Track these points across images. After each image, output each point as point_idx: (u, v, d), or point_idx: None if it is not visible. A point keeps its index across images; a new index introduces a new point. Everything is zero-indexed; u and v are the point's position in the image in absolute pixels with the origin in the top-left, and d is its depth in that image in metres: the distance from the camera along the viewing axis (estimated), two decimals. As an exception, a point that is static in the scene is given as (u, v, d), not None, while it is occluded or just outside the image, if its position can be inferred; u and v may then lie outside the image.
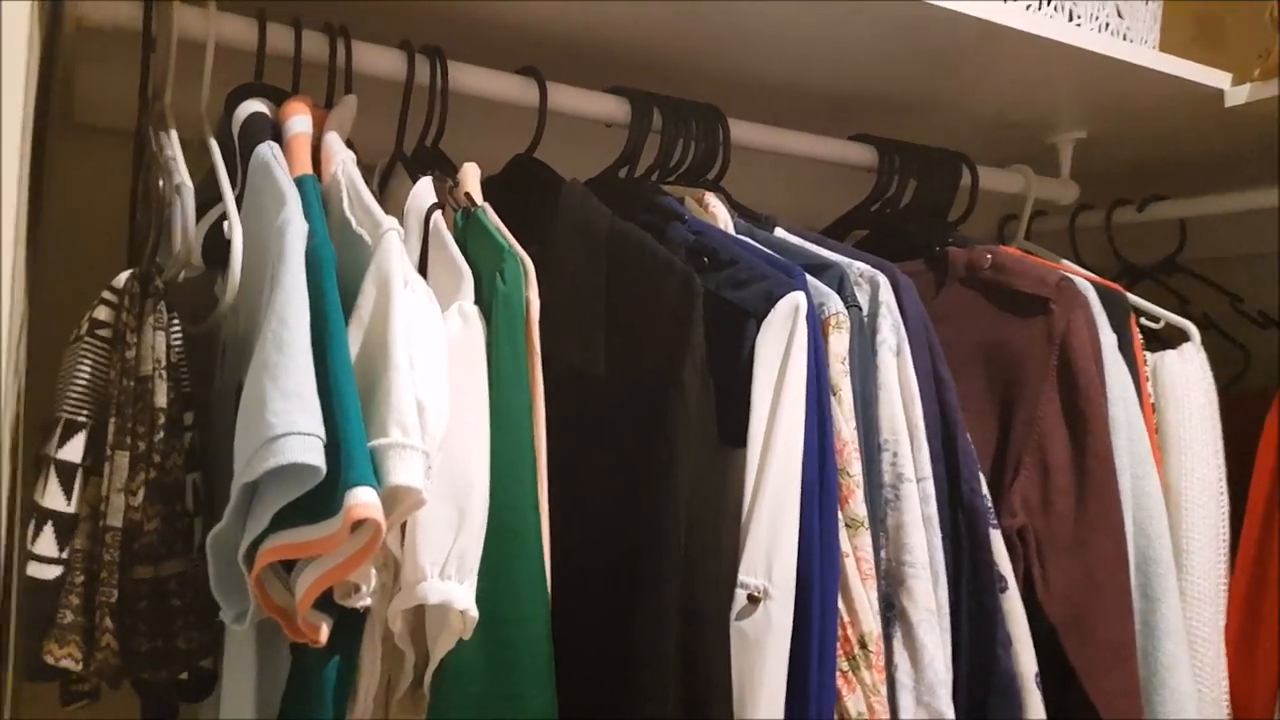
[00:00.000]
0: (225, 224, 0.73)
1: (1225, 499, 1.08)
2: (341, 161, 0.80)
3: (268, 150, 0.76)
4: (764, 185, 1.17)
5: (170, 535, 0.69)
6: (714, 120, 1.04)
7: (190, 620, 0.70)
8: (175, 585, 0.69)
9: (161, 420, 0.69)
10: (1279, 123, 1.16)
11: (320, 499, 0.61)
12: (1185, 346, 1.12)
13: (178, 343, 0.71)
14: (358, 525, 0.60)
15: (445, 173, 0.90)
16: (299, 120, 0.81)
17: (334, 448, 0.61)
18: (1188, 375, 1.10)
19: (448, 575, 0.67)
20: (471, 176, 0.86)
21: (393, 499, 0.62)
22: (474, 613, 0.67)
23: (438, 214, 0.82)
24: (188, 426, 0.72)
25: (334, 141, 0.83)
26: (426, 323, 0.69)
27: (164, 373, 0.69)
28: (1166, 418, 1.09)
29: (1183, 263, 1.36)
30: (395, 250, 0.69)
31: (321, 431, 0.61)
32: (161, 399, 0.69)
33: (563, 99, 0.98)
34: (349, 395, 0.63)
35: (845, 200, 1.20)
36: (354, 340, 0.67)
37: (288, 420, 0.60)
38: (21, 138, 0.54)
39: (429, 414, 0.65)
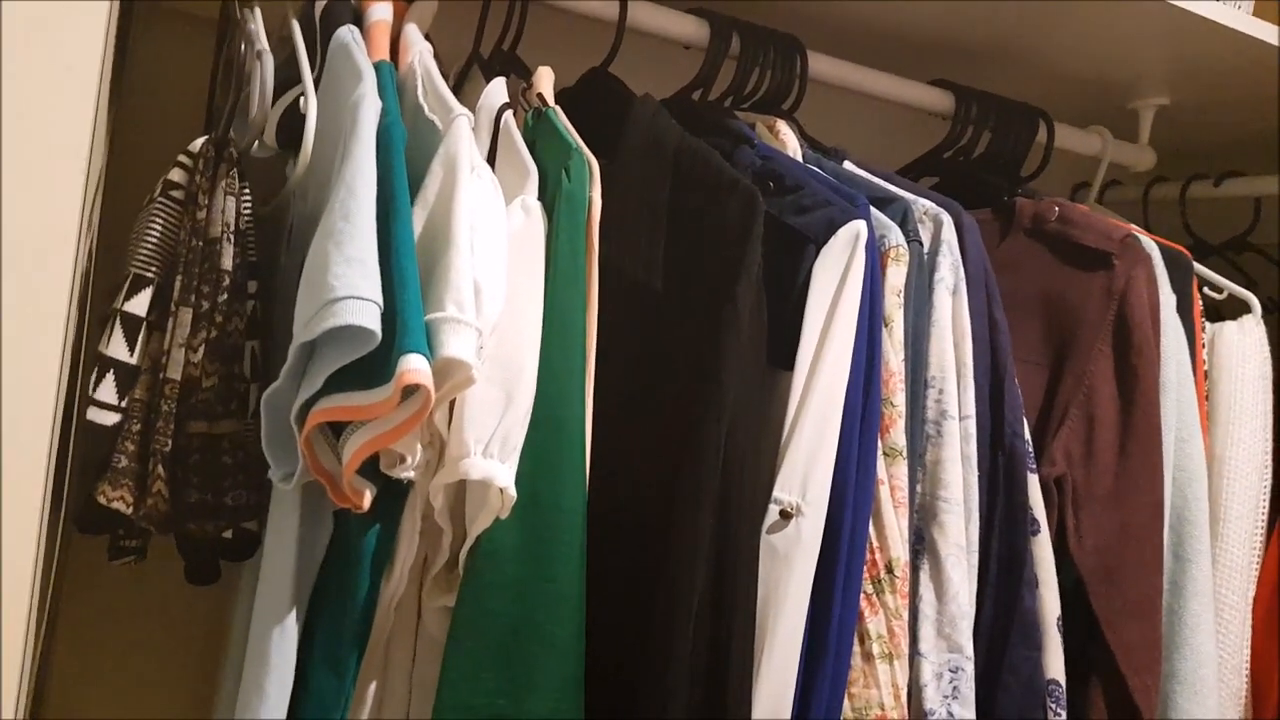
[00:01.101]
0: (301, 100, 0.73)
1: (1269, 474, 1.04)
2: (419, 52, 0.79)
3: (347, 33, 0.76)
4: (834, 122, 1.13)
5: (226, 394, 0.69)
6: (793, 51, 1.01)
7: (239, 479, 0.70)
8: (228, 444, 0.70)
9: (226, 282, 0.69)
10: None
11: (374, 365, 0.61)
12: (1245, 319, 1.08)
13: (247, 211, 0.71)
14: (409, 392, 0.60)
15: (520, 76, 0.88)
16: (380, 8, 0.80)
17: (390, 317, 0.61)
18: (1245, 347, 1.06)
19: (490, 453, 0.66)
20: (545, 79, 0.85)
21: (444, 371, 0.62)
22: (513, 492, 0.67)
23: (508, 113, 0.80)
24: (251, 294, 0.72)
25: (413, 32, 0.82)
26: (490, 209, 0.68)
27: (232, 237, 0.69)
28: (1219, 387, 1.05)
29: (1254, 243, 1.31)
30: (465, 135, 0.68)
31: (380, 298, 0.60)
32: (227, 261, 0.69)
33: (642, 15, 0.96)
34: (409, 268, 0.62)
35: (914, 146, 1.16)
36: (418, 220, 0.67)
37: (349, 284, 0.60)
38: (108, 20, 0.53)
39: (485, 296, 0.65)
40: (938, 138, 1.14)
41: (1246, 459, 1.02)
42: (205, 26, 0.95)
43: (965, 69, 1.21)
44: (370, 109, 0.66)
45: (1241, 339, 1.06)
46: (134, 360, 0.68)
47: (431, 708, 0.75)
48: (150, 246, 0.69)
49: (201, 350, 0.67)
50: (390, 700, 0.76)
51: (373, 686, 0.75)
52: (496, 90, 0.82)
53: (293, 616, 0.70)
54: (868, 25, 1.14)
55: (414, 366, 0.59)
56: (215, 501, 0.69)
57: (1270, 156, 1.30)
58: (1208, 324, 1.07)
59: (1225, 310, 1.13)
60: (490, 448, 0.67)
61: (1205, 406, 1.03)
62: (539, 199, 0.74)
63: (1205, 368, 1.05)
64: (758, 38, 0.99)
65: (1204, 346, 1.04)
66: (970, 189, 1.09)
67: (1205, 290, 1.10)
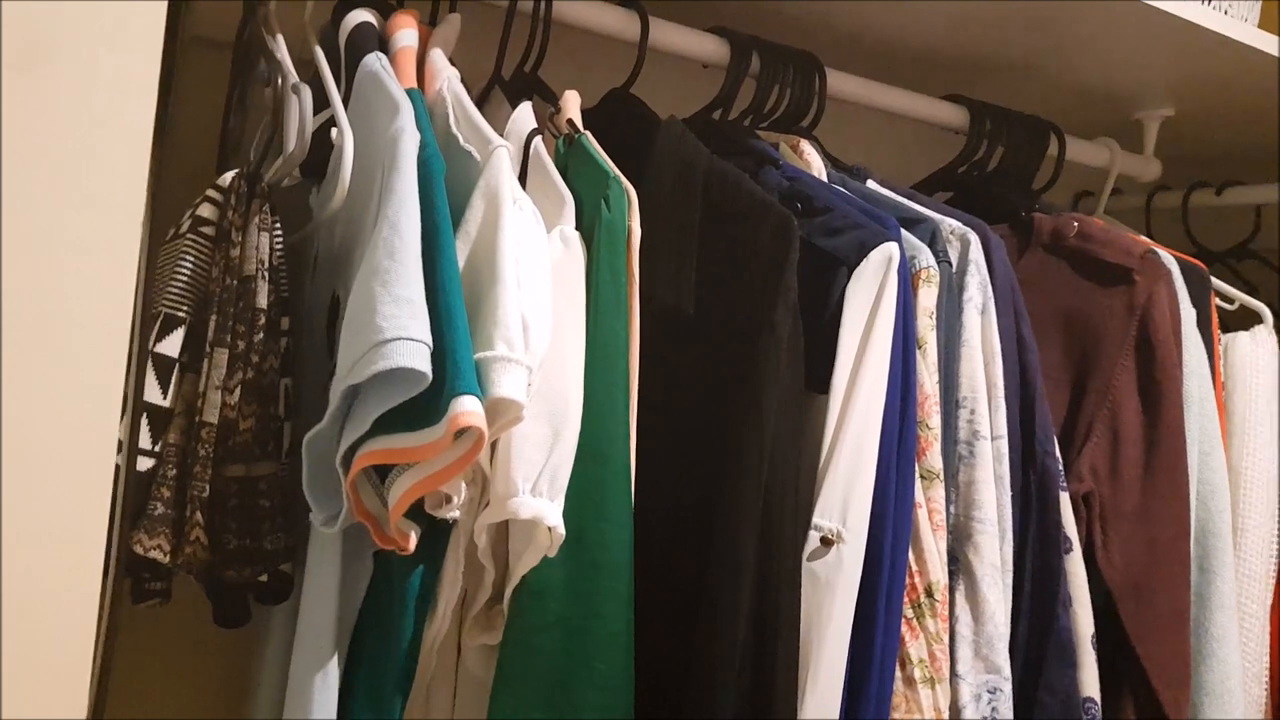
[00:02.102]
0: (333, 131, 0.70)
1: (1282, 484, 1.04)
2: (447, 79, 0.76)
3: (376, 61, 0.73)
4: (848, 138, 1.12)
5: (263, 436, 0.66)
6: (811, 68, 0.98)
7: (277, 522, 0.67)
8: (265, 486, 0.67)
9: (262, 321, 0.66)
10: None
11: (422, 406, 0.59)
12: (1258, 329, 1.07)
13: (279, 246, 0.68)
14: (460, 434, 0.58)
15: (545, 99, 0.86)
16: (406, 34, 0.77)
17: (439, 356, 0.58)
18: (1258, 358, 1.05)
19: (539, 492, 0.64)
20: (573, 104, 0.82)
21: (495, 411, 0.59)
22: (562, 530, 0.64)
23: (538, 139, 0.78)
24: (284, 331, 0.69)
25: (439, 58, 0.79)
26: (533, 243, 0.65)
27: (266, 274, 0.66)
28: (1234, 399, 1.04)
29: (1256, 249, 1.30)
30: (506, 168, 0.65)
31: (429, 339, 0.58)
32: (263, 300, 0.66)
33: (663, 35, 0.93)
34: (457, 306, 0.60)
35: (925, 161, 1.15)
36: (460, 253, 0.64)
37: (398, 325, 0.57)
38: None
39: (533, 332, 0.62)
40: (949, 152, 1.13)
41: (1262, 470, 1.01)
42: (217, 51, 0.92)
43: (973, 83, 1.20)
44: (410, 142, 0.63)
45: (1255, 350, 1.05)
46: (167, 403, 0.64)
47: (473, 746, 0.73)
48: (181, 285, 0.66)
49: (238, 392, 0.64)
50: (432, 740, 0.74)
51: (415, 727, 0.72)
52: (524, 115, 0.80)
53: (334, 661, 0.67)
54: (876, 40, 1.13)
55: (468, 408, 0.56)
56: (254, 546, 0.66)
57: (1271, 165, 1.29)
58: (1221, 335, 1.07)
59: (1233, 320, 1.12)
60: (539, 486, 0.64)
61: (1222, 417, 1.02)
62: (575, 227, 0.72)
63: (1220, 378, 1.04)
64: (777, 56, 0.97)
65: (1220, 358, 1.04)
66: (984, 204, 1.08)
67: (1217, 301, 1.09)
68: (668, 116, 0.88)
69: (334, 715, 0.67)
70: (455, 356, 0.58)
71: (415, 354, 0.57)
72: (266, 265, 0.66)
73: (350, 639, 0.69)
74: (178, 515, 0.63)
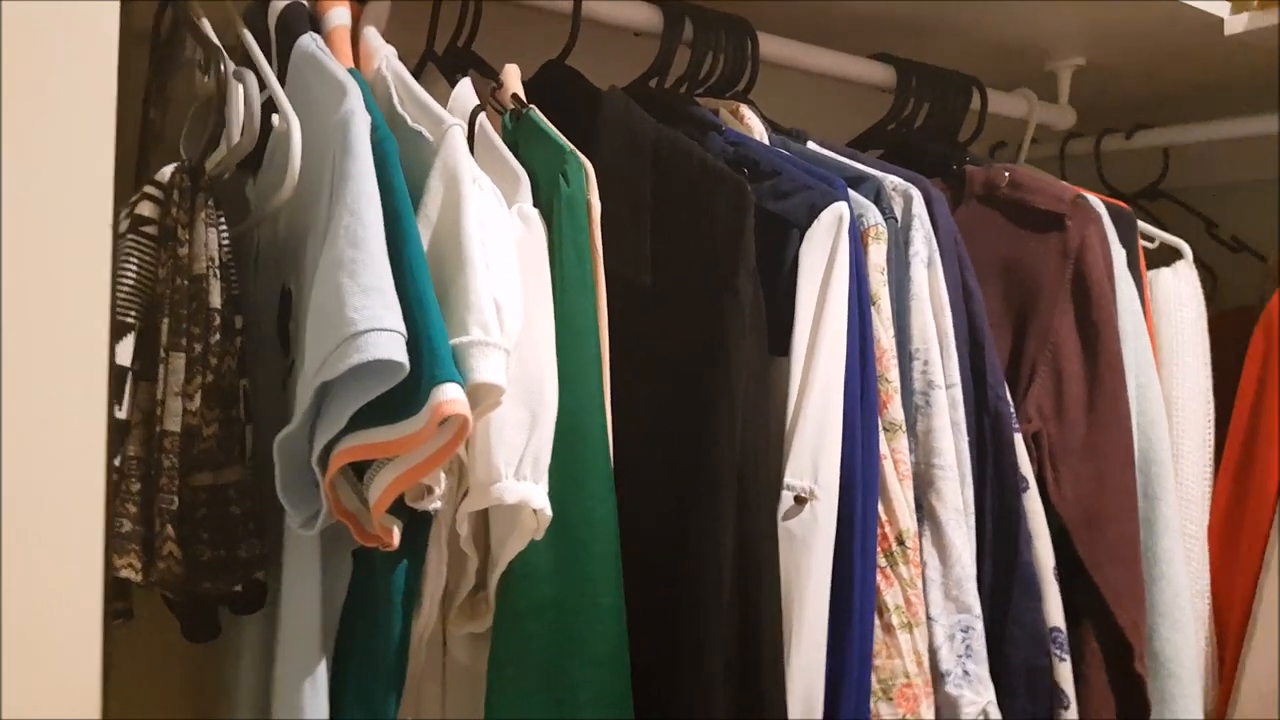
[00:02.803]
0: (273, 117, 0.66)
1: (1211, 408, 1.08)
2: (385, 57, 0.73)
3: (311, 41, 0.69)
4: (777, 103, 1.11)
5: (228, 441, 0.63)
6: (743, 33, 0.97)
7: (249, 528, 0.64)
8: (234, 492, 0.63)
9: (217, 321, 0.62)
10: (1278, 52, 1.14)
11: (399, 398, 0.56)
12: (1179, 264, 1.11)
13: (226, 242, 0.64)
14: (443, 423, 0.56)
15: (483, 74, 0.83)
16: (339, 12, 0.74)
17: (414, 345, 0.56)
18: (1180, 291, 1.09)
19: (523, 475, 0.62)
20: (514, 78, 0.80)
21: (475, 397, 0.57)
22: (549, 512, 0.63)
23: (482, 115, 0.75)
24: (238, 330, 0.65)
25: (373, 36, 0.76)
26: (496, 223, 0.63)
27: (217, 272, 0.62)
28: (1161, 332, 1.07)
29: (1166, 189, 1.34)
30: (462, 146, 0.63)
31: (403, 328, 0.55)
32: (216, 299, 0.62)
33: (595, 5, 0.91)
34: (428, 292, 0.57)
35: (852, 121, 1.15)
36: (422, 238, 0.62)
37: (370, 316, 0.54)
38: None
39: (505, 314, 0.60)
40: (874, 111, 1.13)
41: (1191, 396, 1.05)
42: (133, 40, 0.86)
43: (890, 42, 1.20)
44: (362, 124, 0.60)
45: (1177, 284, 1.09)
46: (123, 415, 0.60)
47: (466, 735, 0.71)
48: (127, 289, 0.61)
49: (198, 397, 0.61)
50: (423, 732, 0.72)
51: (406, 723, 0.70)
52: (465, 92, 0.77)
53: (323, 666, 0.65)
54: (797, 3, 1.12)
55: (451, 396, 0.54)
56: (229, 555, 0.63)
57: (1177, 108, 1.33)
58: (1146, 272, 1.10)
59: (1155, 258, 1.16)
60: (522, 469, 0.62)
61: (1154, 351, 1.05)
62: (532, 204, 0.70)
63: (1148, 314, 1.08)
64: (709, 22, 0.96)
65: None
66: (914, 159, 1.08)
67: (1139, 241, 1.12)
68: (609, 87, 0.86)
69: (323, 715, 0.64)
70: (432, 344, 0.56)
71: (391, 345, 0.54)
72: (217, 263, 0.62)
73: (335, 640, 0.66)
74: (146, 531, 0.60)
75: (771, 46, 1.01)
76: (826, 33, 1.17)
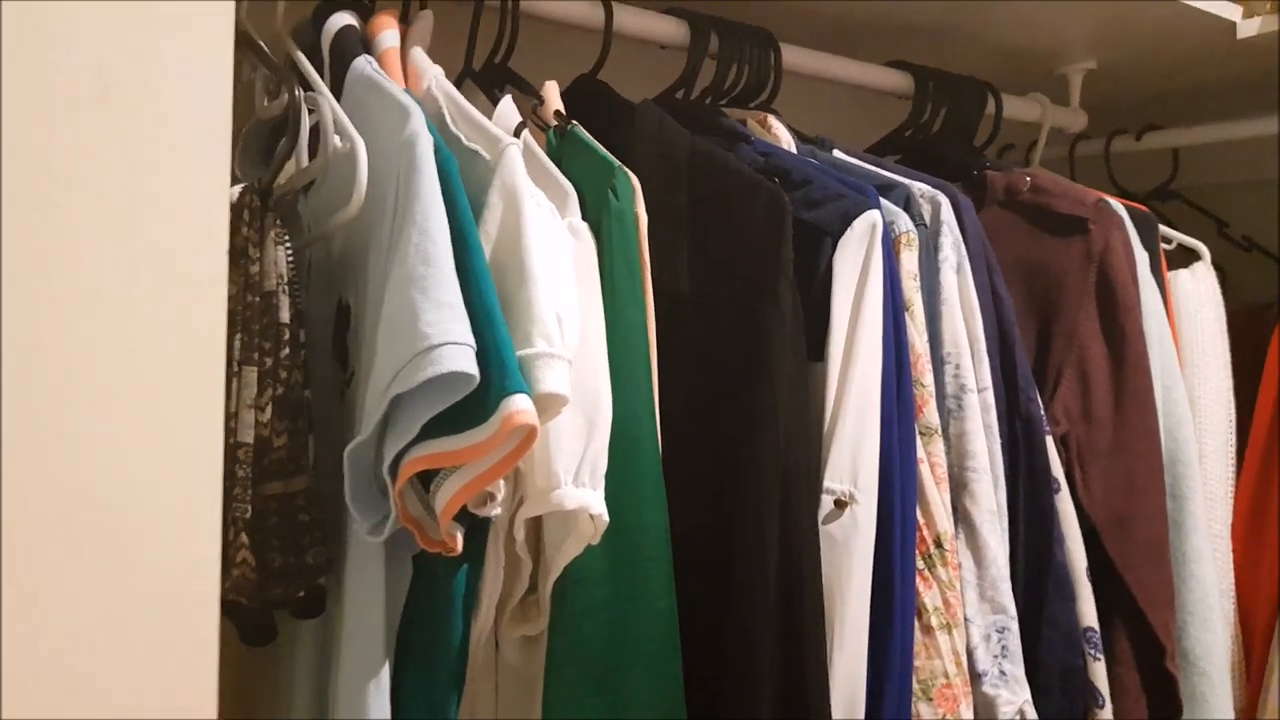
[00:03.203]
0: (335, 138, 0.70)
1: (1233, 408, 1.13)
2: (434, 77, 0.77)
3: (367, 64, 0.73)
4: (792, 110, 1.15)
5: (296, 451, 0.67)
6: (766, 44, 1.02)
7: (316, 535, 0.68)
8: (302, 500, 0.67)
9: (286, 336, 0.66)
10: (1287, 54, 1.19)
11: (467, 408, 0.60)
12: (1197, 265, 1.16)
13: (291, 259, 0.68)
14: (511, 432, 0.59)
15: (523, 91, 0.87)
16: (389, 35, 0.78)
17: (483, 356, 0.60)
18: (1200, 293, 1.14)
19: (581, 482, 0.66)
20: (554, 95, 0.84)
21: (540, 406, 0.61)
22: (606, 517, 0.67)
23: (525, 132, 0.79)
24: (302, 344, 0.69)
25: (421, 57, 0.79)
26: (553, 238, 0.67)
27: (285, 288, 0.66)
28: (1181, 332, 1.12)
29: (1176, 190, 1.39)
30: (520, 166, 0.67)
31: (473, 341, 0.59)
32: (285, 314, 0.66)
33: (623, 19, 0.95)
34: (494, 306, 0.61)
35: (867, 127, 1.20)
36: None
37: (443, 330, 0.58)
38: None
39: (566, 325, 0.64)
40: (892, 117, 1.17)
41: (1214, 397, 1.10)
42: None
43: (903, 48, 1.25)
44: (427, 145, 0.64)
45: (1195, 285, 1.14)
46: (197, 427, 0.64)
47: (519, 738, 0.75)
48: (196, 306, 0.65)
49: (270, 409, 0.65)
50: (478, 734, 0.75)
51: (462, 726, 0.74)
52: (508, 109, 0.81)
53: (386, 669, 0.68)
54: (811, 12, 1.16)
55: (521, 407, 0.58)
56: (298, 562, 0.66)
57: (1186, 109, 1.38)
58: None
59: (1172, 259, 1.20)
60: (580, 476, 0.66)
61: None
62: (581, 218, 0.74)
63: (1169, 315, 1.12)
64: (734, 34, 1.00)
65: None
66: (931, 164, 1.13)
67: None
68: (641, 100, 0.91)
69: (387, 716, 0.68)
70: (500, 356, 0.60)
71: (463, 358, 0.58)
72: (285, 280, 0.66)
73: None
74: (221, 540, 0.63)
75: (792, 56, 1.05)
76: (841, 40, 1.22)
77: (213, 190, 0.51)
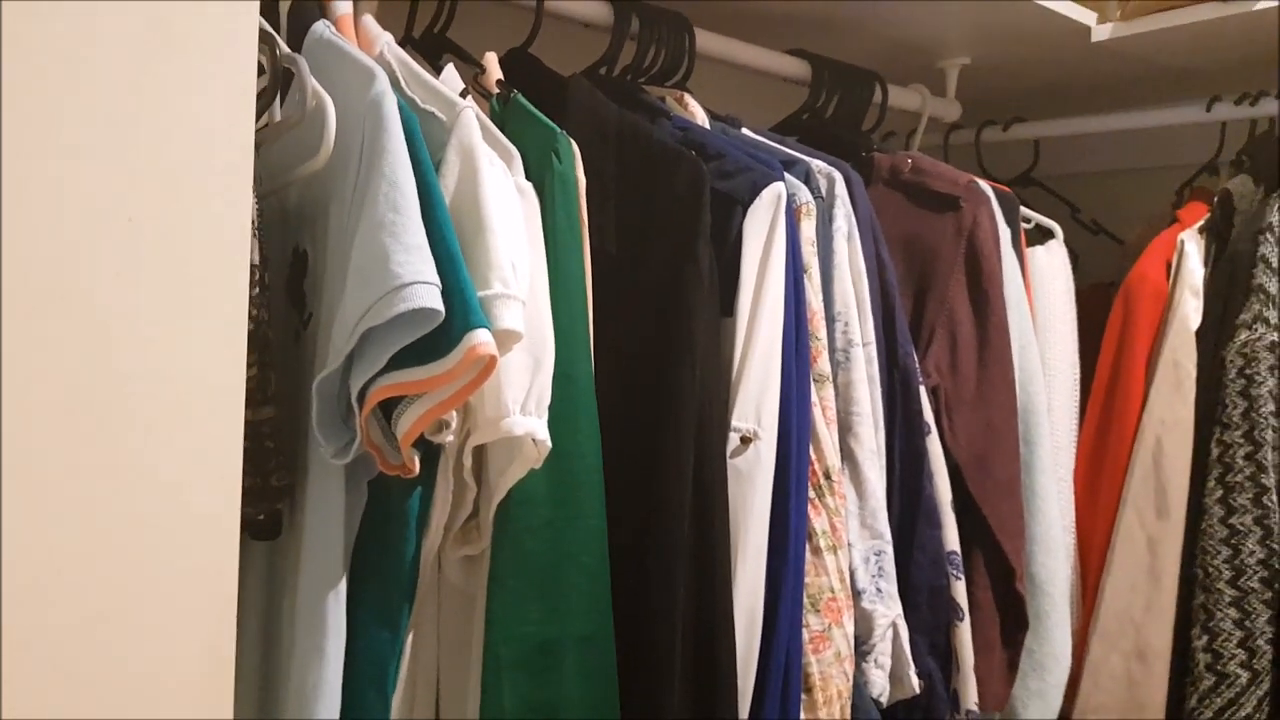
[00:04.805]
0: (303, 94, 0.76)
1: (1078, 369, 1.29)
2: (386, 43, 0.84)
3: (325, 28, 0.79)
4: (701, 91, 1.25)
5: (263, 383, 0.73)
6: (682, 28, 1.11)
7: (280, 461, 0.75)
8: (268, 429, 0.74)
9: (256, 277, 0.72)
10: (1137, 57, 1.35)
11: (431, 342, 0.68)
12: (1051, 243, 1.31)
13: (257, 207, 0.74)
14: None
15: (463, 59, 0.94)
16: (344, 4, 0.84)
17: (447, 296, 0.67)
18: (1053, 267, 1.29)
19: (528, 411, 0.75)
20: (495, 65, 0.91)
21: (498, 341, 0.69)
22: (549, 443, 0.75)
23: (469, 98, 0.87)
24: (268, 285, 0.75)
25: (371, 24, 0.86)
26: (506, 193, 0.75)
27: (255, 233, 0.72)
28: (1036, 300, 1.27)
29: (1036, 177, 1.56)
30: (476, 126, 0.75)
31: (439, 281, 0.67)
32: (256, 256, 0.72)
33: (555, 4, 1.03)
34: (457, 251, 0.69)
35: (767, 109, 1.31)
36: (442, 205, 0.73)
37: (413, 270, 0.66)
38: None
39: (519, 271, 0.72)
40: (789, 100, 1.29)
41: (1062, 357, 1.26)
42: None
43: (799, 38, 1.37)
44: (392, 105, 0.71)
45: (1050, 260, 1.29)
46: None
47: (458, 649, 0.84)
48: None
49: (243, 343, 0.71)
50: (421, 648, 0.83)
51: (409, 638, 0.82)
52: (453, 76, 0.89)
53: (343, 582, 0.75)
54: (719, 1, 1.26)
55: (483, 339, 0.66)
56: (264, 484, 0.73)
57: (1049, 103, 1.54)
58: (1023, 249, 1.30)
59: (1029, 237, 1.36)
60: (527, 406, 0.75)
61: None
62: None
63: (1025, 286, 1.27)
64: (653, 17, 1.09)
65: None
66: (825, 146, 1.25)
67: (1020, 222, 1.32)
68: (573, 75, 0.99)
69: (344, 628, 0.75)
70: (464, 295, 0.67)
71: (430, 295, 0.66)
72: (255, 225, 0.72)
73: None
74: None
75: (706, 41, 1.15)
76: (742, 29, 1.32)
77: (241, 123, 0.57)
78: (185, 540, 0.57)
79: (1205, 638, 1.18)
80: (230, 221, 0.58)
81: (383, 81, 0.72)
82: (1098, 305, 1.34)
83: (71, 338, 0.53)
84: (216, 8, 0.56)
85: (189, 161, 0.56)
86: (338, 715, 0.73)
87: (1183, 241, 1.24)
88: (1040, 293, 1.27)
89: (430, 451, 0.76)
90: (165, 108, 0.55)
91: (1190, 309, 1.22)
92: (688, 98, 1.07)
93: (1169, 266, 1.25)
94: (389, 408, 0.72)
